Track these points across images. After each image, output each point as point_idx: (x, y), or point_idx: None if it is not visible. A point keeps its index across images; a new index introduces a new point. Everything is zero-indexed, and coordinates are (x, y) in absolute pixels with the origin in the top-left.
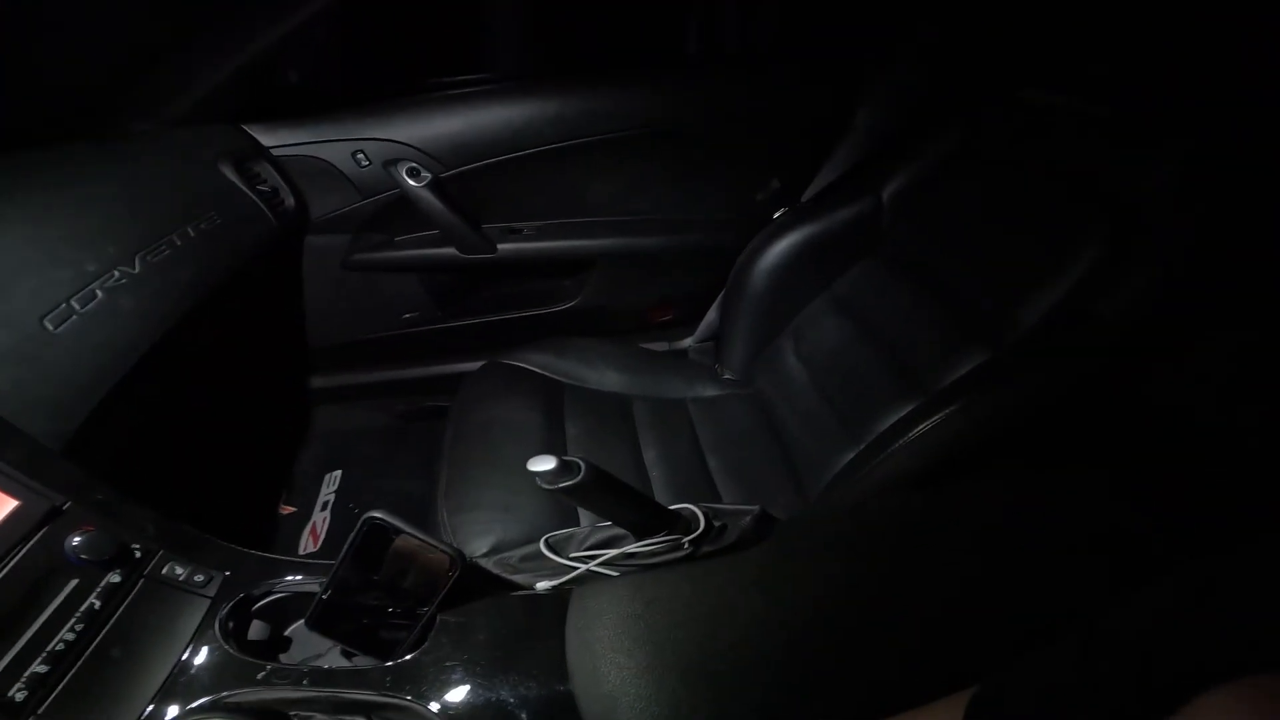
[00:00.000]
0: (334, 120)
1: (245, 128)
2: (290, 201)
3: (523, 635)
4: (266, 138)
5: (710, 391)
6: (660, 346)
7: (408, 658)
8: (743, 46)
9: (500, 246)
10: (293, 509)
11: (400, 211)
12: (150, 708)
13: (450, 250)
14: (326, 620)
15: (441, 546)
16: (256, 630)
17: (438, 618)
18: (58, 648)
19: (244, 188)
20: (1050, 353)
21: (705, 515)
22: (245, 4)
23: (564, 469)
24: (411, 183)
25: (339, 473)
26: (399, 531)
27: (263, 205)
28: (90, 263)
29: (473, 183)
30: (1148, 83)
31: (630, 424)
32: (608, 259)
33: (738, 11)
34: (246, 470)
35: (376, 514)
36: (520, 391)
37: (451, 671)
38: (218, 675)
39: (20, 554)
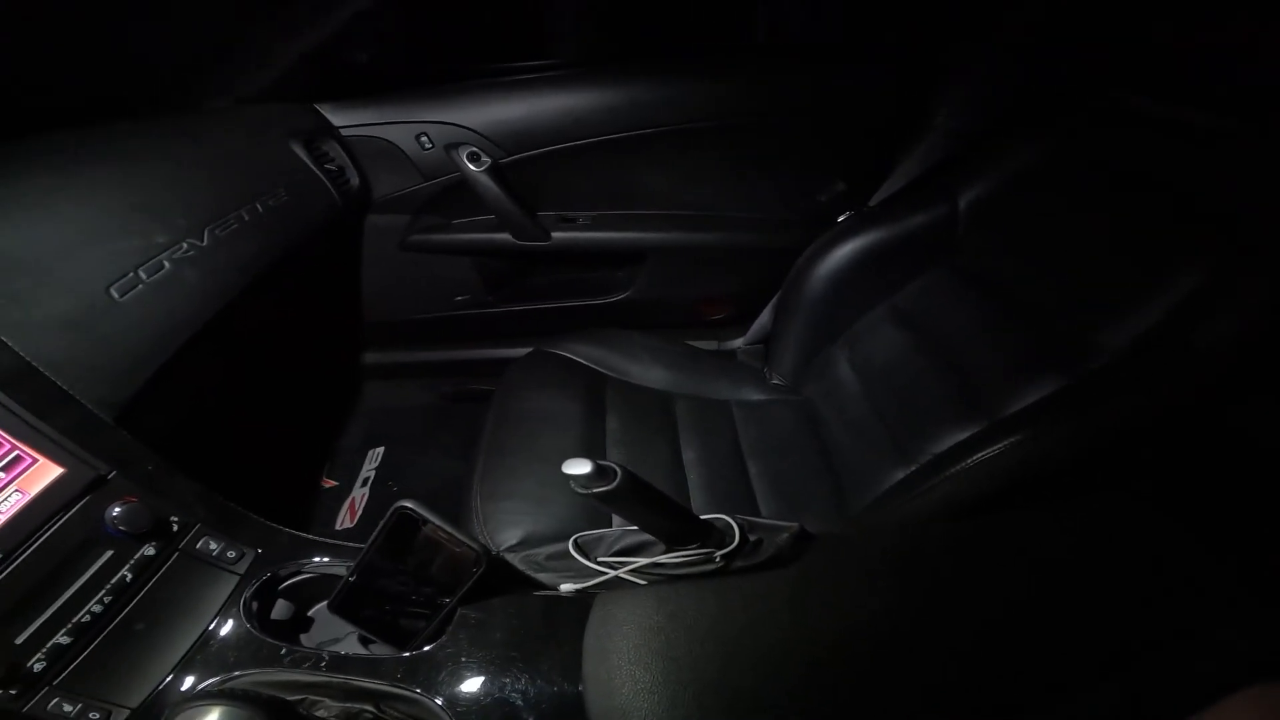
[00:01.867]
0: (400, 102)
1: (316, 107)
2: (355, 181)
3: (541, 637)
4: (336, 117)
5: (756, 395)
6: (709, 345)
7: (424, 649)
8: (811, 38)
9: (554, 235)
10: (334, 483)
11: (459, 195)
12: (168, 679)
13: (505, 236)
14: (349, 604)
15: (468, 542)
16: (280, 610)
17: (458, 611)
18: (83, 619)
19: (312, 166)
20: (1137, 384)
21: (740, 528)
22: None
23: (599, 474)
24: (471, 167)
25: (381, 450)
26: (427, 522)
27: (329, 183)
28: (160, 234)
29: (531, 170)
30: (1267, 95)
31: (671, 421)
32: (661, 253)
33: (806, 1)
34: (293, 442)
35: (406, 504)
36: (563, 381)
37: (465, 668)
38: (236, 653)
39: (59, 523)
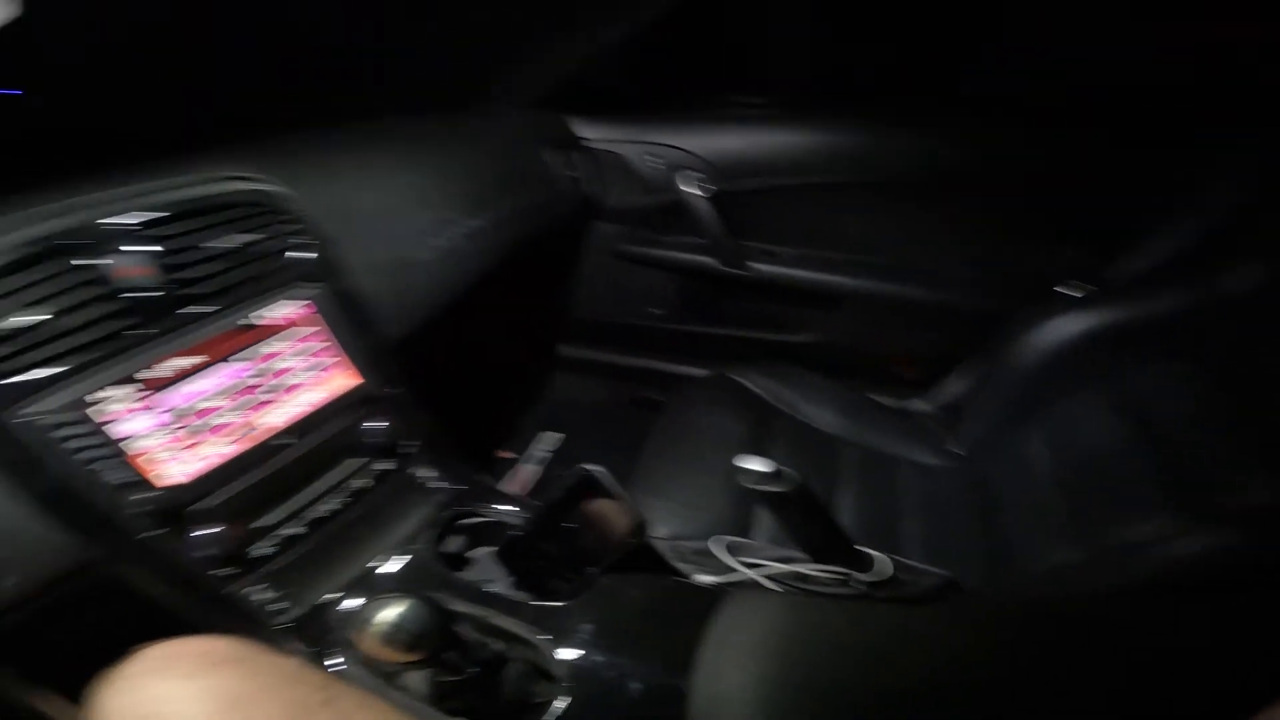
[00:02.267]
0: (637, 123)
1: (567, 119)
2: (591, 189)
3: (665, 618)
4: (582, 130)
5: (928, 459)
6: (889, 400)
7: (560, 604)
8: (1049, 95)
9: (755, 266)
10: (511, 455)
11: (674, 215)
12: (357, 574)
13: (709, 260)
14: (512, 553)
15: (634, 511)
16: (453, 544)
17: (599, 579)
18: (320, 514)
19: (560, 171)
20: None
21: (894, 565)
22: (588, 11)
23: (775, 475)
24: (691, 191)
25: (560, 436)
26: (605, 488)
27: (571, 189)
28: (449, 212)
29: (743, 200)
30: None
31: (833, 467)
32: (859, 299)
33: (1047, 54)
34: (489, 407)
35: (592, 467)
36: (735, 406)
37: (590, 630)
38: (414, 571)
39: (337, 426)
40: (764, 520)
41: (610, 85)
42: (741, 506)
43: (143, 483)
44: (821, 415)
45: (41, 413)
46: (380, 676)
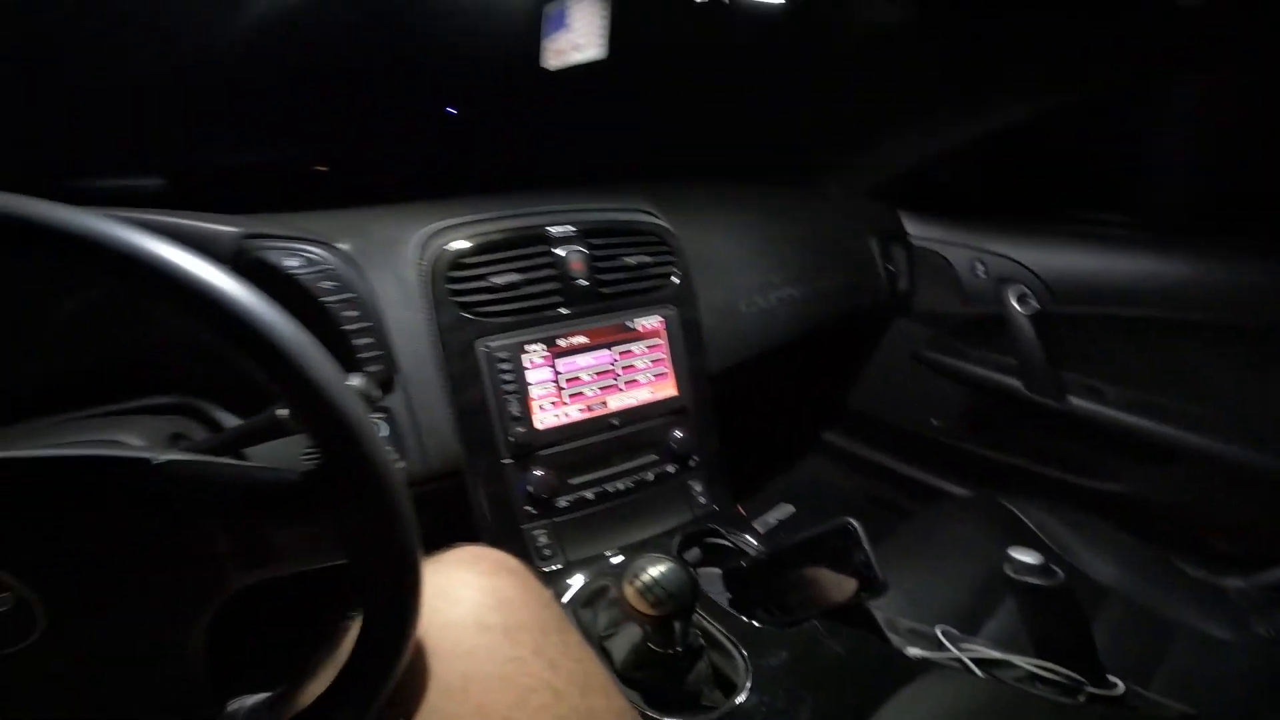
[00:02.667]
0: (969, 227)
1: (900, 212)
2: (904, 285)
3: (857, 673)
4: (910, 225)
5: (1223, 633)
6: (1194, 570)
7: (764, 627)
8: None
9: (1071, 399)
10: (744, 513)
11: (989, 329)
12: (607, 554)
13: (1015, 382)
14: (736, 578)
15: (877, 574)
16: (691, 554)
17: (811, 621)
18: (608, 490)
19: (879, 261)
20: None
21: (1128, 690)
22: (947, 111)
23: (1043, 568)
24: (1017, 308)
25: (791, 509)
26: (858, 542)
27: (885, 280)
28: (777, 276)
29: (1075, 326)
30: None
31: (1094, 614)
32: (1206, 462)
33: None
34: (749, 460)
35: (851, 521)
36: (996, 530)
37: (782, 660)
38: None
39: (650, 424)
40: (998, 622)
41: (949, 184)
42: (975, 607)
43: (526, 419)
44: (1102, 566)
45: (496, 346)
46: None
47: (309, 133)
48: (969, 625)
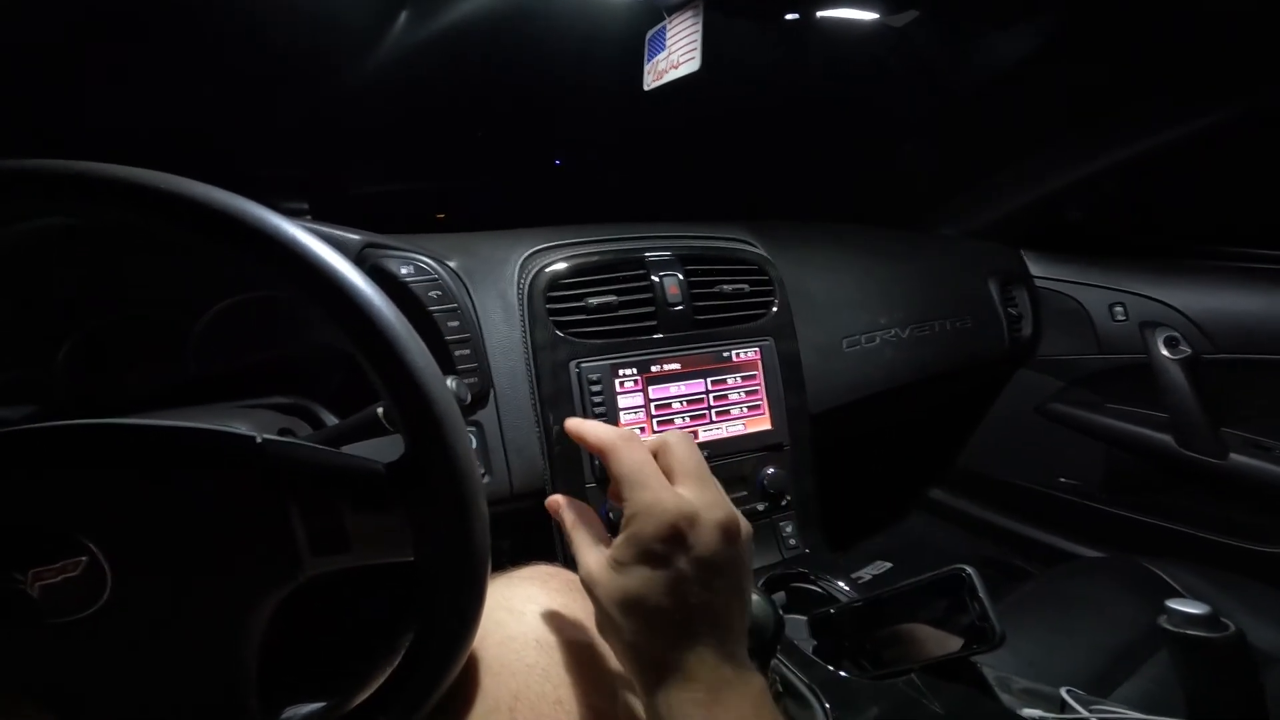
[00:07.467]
0: (1103, 266)
1: (1022, 252)
2: (1028, 331)
3: None
4: (1035, 266)
5: None
6: None
7: (851, 679)
8: None
9: (1234, 457)
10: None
11: (1130, 377)
12: None
13: (1165, 438)
14: (829, 623)
15: (994, 625)
16: (776, 599)
17: (909, 676)
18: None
19: (999, 305)
20: None
21: None
22: (1051, 148)
23: (1210, 619)
24: (1166, 353)
25: (889, 566)
26: (974, 594)
27: (1005, 326)
28: (882, 317)
29: (1241, 375)
30: None
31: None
32: None
33: None
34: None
35: (967, 567)
36: (1136, 593)
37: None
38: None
39: (743, 458)
40: (1135, 688)
41: (1076, 222)
42: (1109, 670)
43: None
44: (1265, 632)
45: (589, 368)
46: None
47: (430, 173)
48: (1100, 689)
